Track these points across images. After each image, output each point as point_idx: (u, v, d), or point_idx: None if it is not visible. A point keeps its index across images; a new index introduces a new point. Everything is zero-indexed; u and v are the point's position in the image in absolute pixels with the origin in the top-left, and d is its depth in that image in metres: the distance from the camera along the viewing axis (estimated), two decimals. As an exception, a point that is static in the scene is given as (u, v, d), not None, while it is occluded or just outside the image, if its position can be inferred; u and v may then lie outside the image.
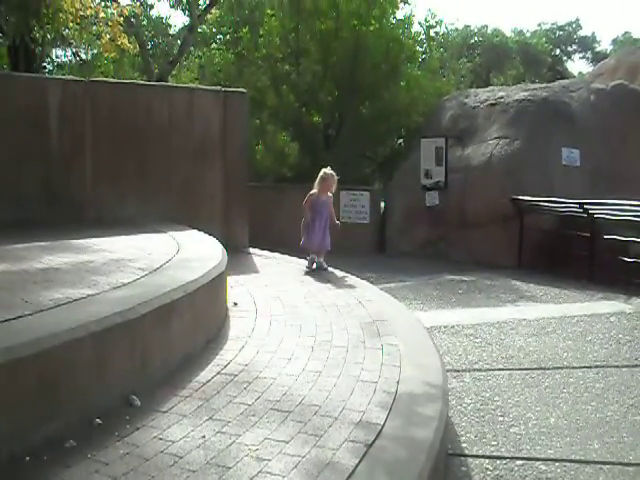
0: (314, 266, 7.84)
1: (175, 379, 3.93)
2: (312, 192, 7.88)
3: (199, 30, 23.82)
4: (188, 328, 4.37)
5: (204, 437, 3.19)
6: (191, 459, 2.96)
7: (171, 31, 29.63)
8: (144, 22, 26.31)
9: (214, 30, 24.27)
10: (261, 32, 18.68)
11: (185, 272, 4.78)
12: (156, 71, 23.52)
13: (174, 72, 25.04)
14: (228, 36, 21.59)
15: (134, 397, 3.54)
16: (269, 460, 2.97)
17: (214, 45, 22.56)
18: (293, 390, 3.83)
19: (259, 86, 18.33)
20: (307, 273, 7.66)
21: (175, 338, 4.17)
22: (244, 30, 18.78)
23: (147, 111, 8.90)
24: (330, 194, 7.94)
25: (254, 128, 17.67)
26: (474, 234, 13.42)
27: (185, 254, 5.71)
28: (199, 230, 7.51)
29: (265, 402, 3.64)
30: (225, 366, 4.21)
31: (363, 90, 17.48)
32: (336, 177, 7.93)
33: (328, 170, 7.94)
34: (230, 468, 2.89)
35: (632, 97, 14.49)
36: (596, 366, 6.39)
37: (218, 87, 10.58)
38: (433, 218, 14.33)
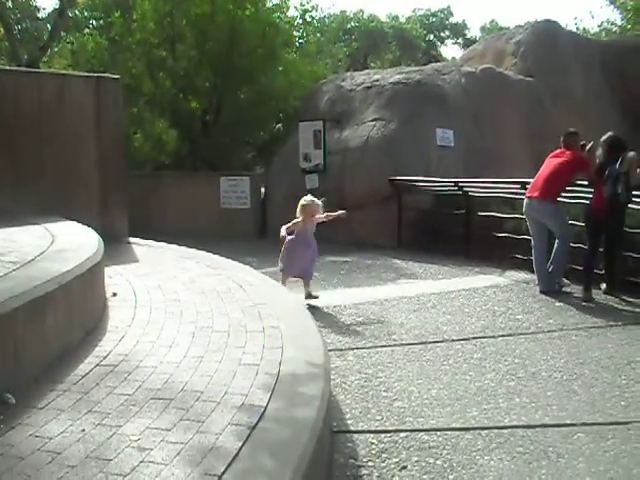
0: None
1: (52, 374, 3.82)
2: (297, 220, 7.94)
3: (70, 14, 22.93)
4: (64, 321, 4.25)
5: (83, 431, 3.11)
6: (70, 454, 2.88)
7: (40, 15, 28.46)
8: (9, 4, 25.11)
9: (86, 14, 23.45)
10: (135, 17, 18.22)
11: (59, 264, 4.64)
12: (25, 57, 22.54)
13: (45, 59, 24.08)
14: (101, 21, 20.88)
15: (8, 395, 3.41)
16: (151, 449, 2.93)
17: (87, 30, 21.77)
18: (174, 377, 3.79)
19: (134, 73, 17.90)
20: (182, 257, 7.60)
21: (51, 331, 4.04)
22: (116, 14, 18.25)
23: (15, 98, 8.52)
24: (320, 216, 8.03)
25: (131, 116, 17.27)
26: (354, 215, 13.51)
27: (59, 245, 5.54)
28: (76, 220, 7.29)
29: (146, 391, 3.59)
30: (104, 357, 4.12)
31: (240, 75, 17.35)
32: (317, 201, 7.97)
33: (308, 197, 8.05)
34: (111, 460, 2.83)
35: (499, 80, 15.05)
36: (474, 338, 6.63)
37: (90, 73, 10.28)
38: (314, 201, 14.43)
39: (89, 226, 6.87)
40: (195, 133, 18.11)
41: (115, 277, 6.27)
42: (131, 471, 2.75)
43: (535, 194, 8.51)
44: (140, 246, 8.67)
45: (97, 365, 3.99)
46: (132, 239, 9.09)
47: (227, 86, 17.50)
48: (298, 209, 7.97)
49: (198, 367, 3.97)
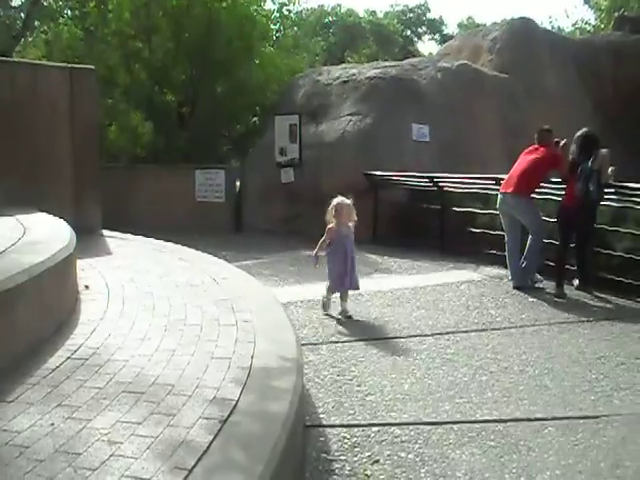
0: (329, 310, 7.30)
1: (22, 367, 3.78)
2: (330, 226, 7.19)
3: (44, 3, 22.65)
4: (35, 313, 4.21)
5: (53, 424, 3.08)
6: (39, 448, 2.86)
7: (13, 3, 28.06)
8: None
9: (60, 4, 23.17)
10: (110, 7, 18.06)
11: (30, 255, 4.59)
12: (-3, 46, 22.23)
13: (19, 48, 23.78)
14: (76, 11, 20.66)
15: (-24, 388, 3.38)
16: (121, 443, 2.92)
17: (61, 20, 21.52)
18: (146, 371, 3.77)
19: (110, 64, 17.75)
20: (156, 250, 7.54)
21: (21, 324, 4.00)
22: (91, 4, 18.08)
23: (-15, 88, 8.43)
24: (350, 224, 7.25)
25: (106, 107, 17.12)
26: (330, 210, 13.59)
27: (31, 237, 5.48)
28: (48, 213, 7.22)
29: (117, 384, 3.57)
30: (75, 351, 4.09)
31: (217, 68, 17.28)
32: (348, 201, 7.13)
33: (339, 199, 7.17)
34: (80, 454, 2.81)
35: (474, 76, 15.09)
36: (447, 332, 6.67)
37: (64, 64, 10.17)
38: (289, 195, 14.40)
39: (62, 218, 6.80)
40: (171, 125, 18.00)
41: (88, 270, 6.21)
42: (101, 465, 2.73)
43: (509, 190, 8.56)
44: (113, 239, 8.60)
45: (68, 358, 3.96)
46: (105, 232, 9.02)
47: (203, 79, 17.42)
48: (330, 212, 7.19)
49: (170, 360, 3.95)
